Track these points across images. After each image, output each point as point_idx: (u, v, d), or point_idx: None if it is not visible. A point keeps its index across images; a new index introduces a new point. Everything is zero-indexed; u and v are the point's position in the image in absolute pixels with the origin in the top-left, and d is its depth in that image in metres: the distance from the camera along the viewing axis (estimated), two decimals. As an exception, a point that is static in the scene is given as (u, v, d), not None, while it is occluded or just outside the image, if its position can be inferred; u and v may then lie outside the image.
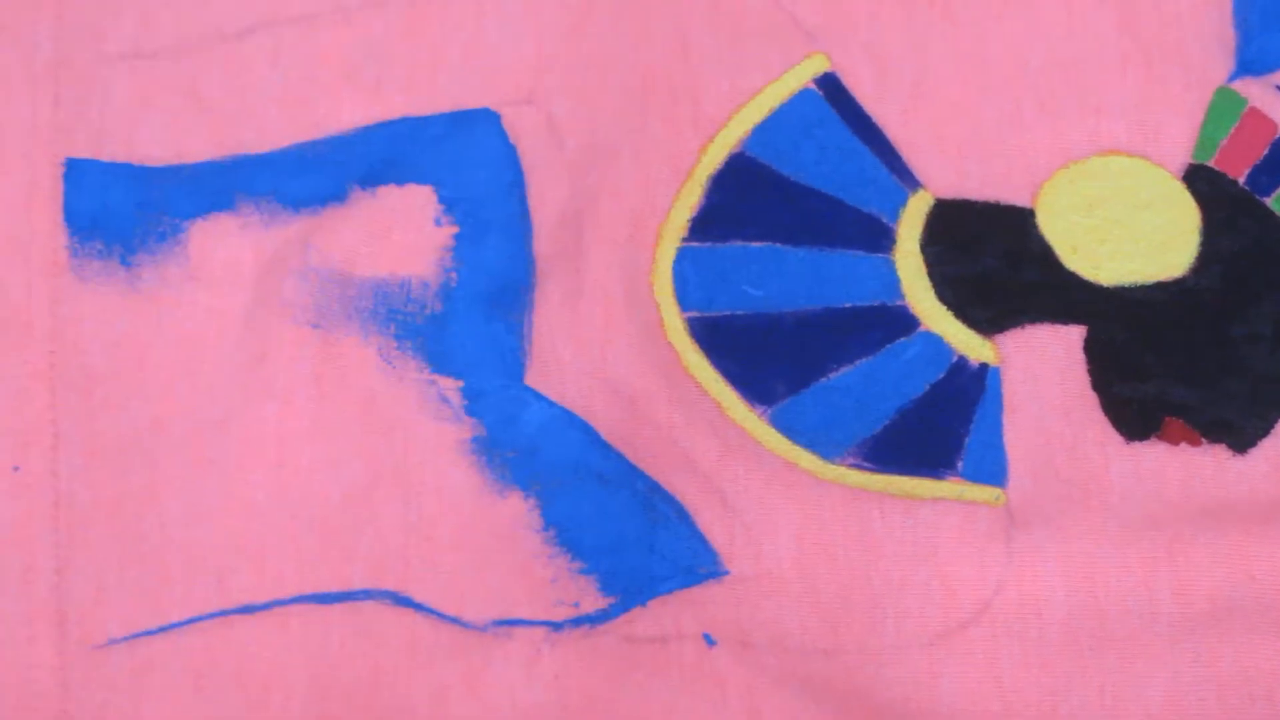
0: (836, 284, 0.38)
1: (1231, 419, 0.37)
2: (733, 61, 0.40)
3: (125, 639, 0.38)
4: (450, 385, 0.39)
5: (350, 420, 0.39)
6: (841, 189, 0.39)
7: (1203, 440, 0.37)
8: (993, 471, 0.37)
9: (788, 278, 0.38)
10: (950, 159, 0.39)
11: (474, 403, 0.39)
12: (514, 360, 0.39)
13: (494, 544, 0.38)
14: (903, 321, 0.38)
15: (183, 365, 0.39)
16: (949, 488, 0.37)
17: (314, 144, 0.40)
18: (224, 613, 0.38)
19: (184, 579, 0.39)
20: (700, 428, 0.38)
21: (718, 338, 0.38)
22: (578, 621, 0.38)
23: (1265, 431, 0.37)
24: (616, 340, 0.39)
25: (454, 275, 0.39)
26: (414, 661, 0.38)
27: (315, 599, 0.38)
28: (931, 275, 0.38)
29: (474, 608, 0.38)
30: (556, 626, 0.38)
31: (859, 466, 0.38)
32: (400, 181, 0.40)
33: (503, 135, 0.40)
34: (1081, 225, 0.38)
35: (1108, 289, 0.38)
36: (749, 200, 0.39)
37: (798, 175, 0.39)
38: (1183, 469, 0.37)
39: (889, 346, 0.38)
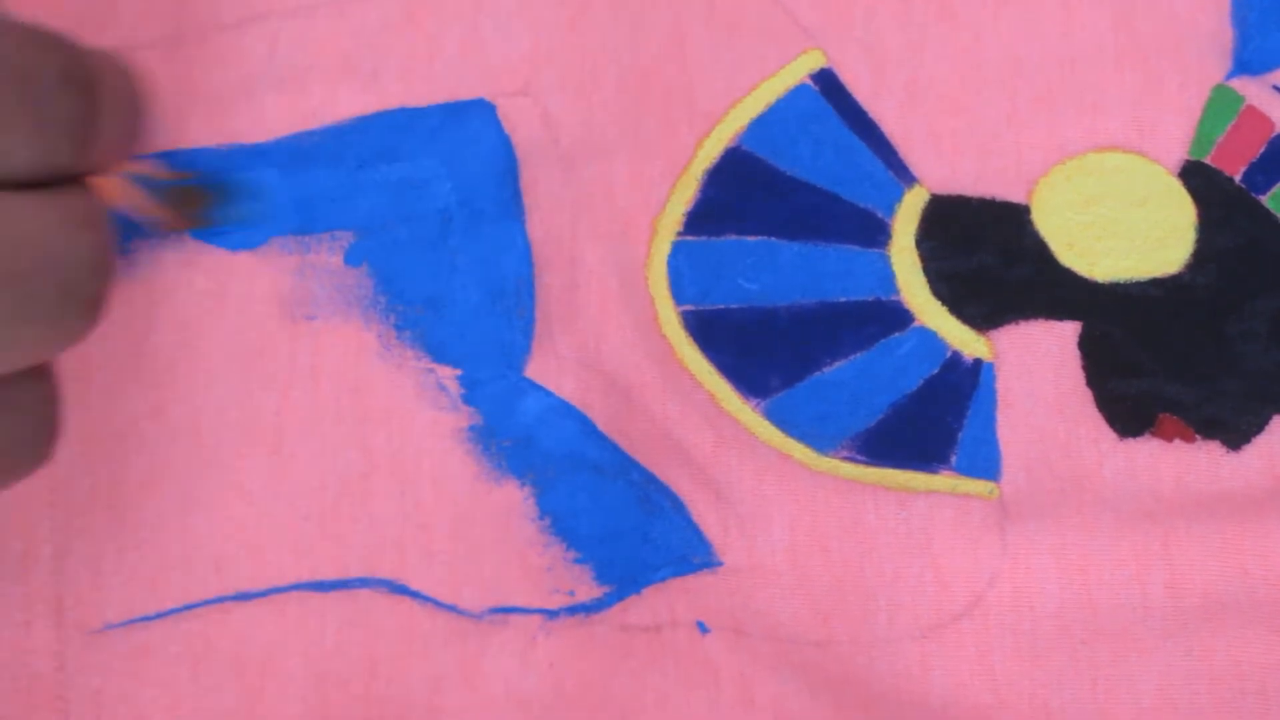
0: (831, 279, 0.38)
1: (1226, 416, 0.36)
2: (729, 57, 0.39)
3: (122, 624, 0.38)
4: (448, 374, 0.38)
5: (346, 408, 0.38)
6: (837, 184, 0.38)
7: (1197, 437, 0.36)
8: (986, 466, 0.37)
9: (783, 272, 0.38)
10: (946, 155, 0.38)
11: (471, 391, 0.38)
12: (514, 351, 0.38)
13: (490, 532, 0.38)
14: (897, 317, 0.37)
15: (180, 351, 0.39)
16: (942, 481, 0.37)
17: (310, 134, 0.39)
18: (221, 599, 0.38)
19: (181, 565, 0.38)
20: (695, 420, 0.38)
21: (712, 331, 0.38)
22: (573, 610, 0.37)
23: (1259, 428, 0.36)
24: (611, 333, 0.38)
25: (452, 265, 0.39)
26: (410, 649, 0.38)
27: (312, 586, 0.38)
28: (926, 271, 0.38)
29: (470, 595, 0.38)
30: (552, 614, 0.38)
31: (852, 459, 0.37)
32: (396, 172, 0.39)
33: (498, 126, 0.39)
34: (1077, 221, 0.37)
35: (1103, 285, 0.37)
36: (745, 195, 0.38)
37: (794, 170, 0.38)
38: (1176, 465, 0.36)
39: (883, 341, 0.37)
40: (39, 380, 0.26)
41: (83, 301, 0.24)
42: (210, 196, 0.39)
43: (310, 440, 0.38)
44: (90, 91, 0.24)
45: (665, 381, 0.38)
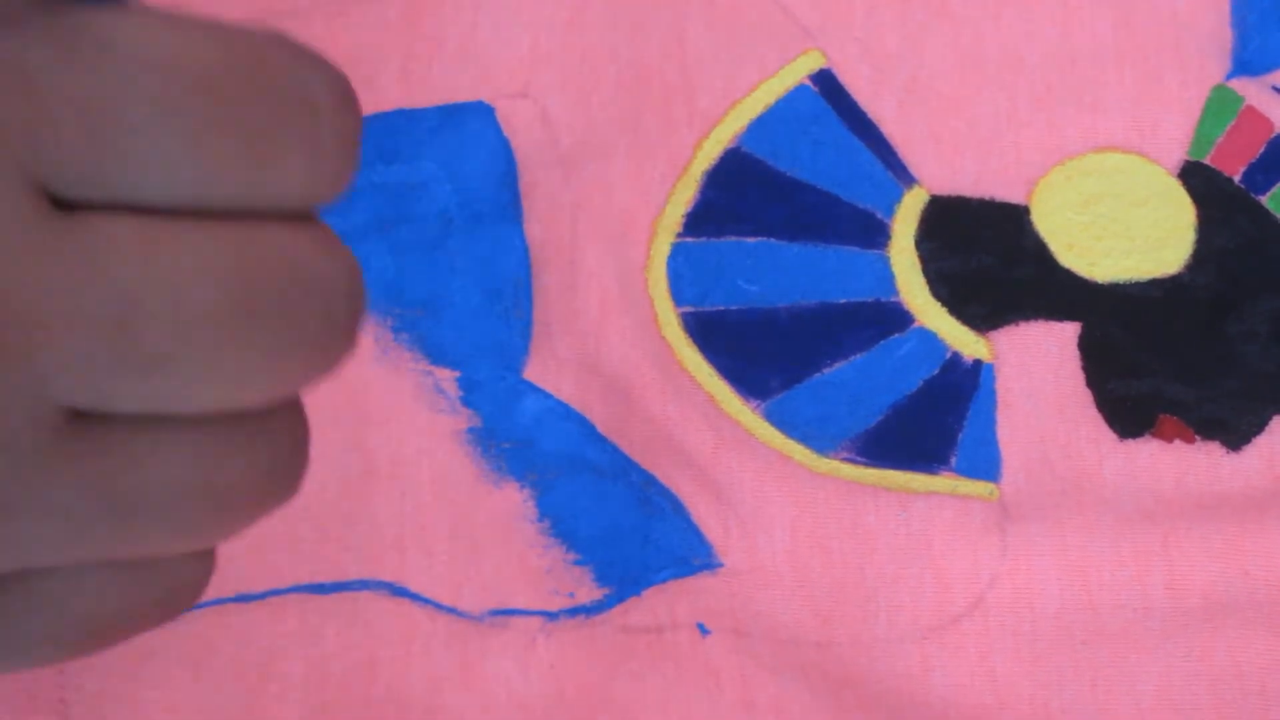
0: (831, 280, 0.37)
1: (1225, 416, 0.36)
2: (729, 57, 0.39)
3: (122, 626, 0.37)
4: (446, 376, 0.38)
5: (345, 410, 0.38)
6: (837, 185, 0.38)
7: (1196, 438, 0.36)
8: (986, 467, 0.36)
9: (783, 273, 0.38)
10: (946, 155, 0.38)
11: (470, 394, 0.38)
12: (512, 352, 0.38)
13: (489, 534, 0.38)
14: (897, 318, 0.37)
15: None
16: (942, 482, 0.37)
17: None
18: (220, 601, 0.37)
19: (181, 567, 0.38)
20: (695, 421, 0.37)
21: (712, 333, 0.38)
22: (573, 611, 0.37)
23: (1259, 429, 0.36)
24: (611, 334, 0.38)
25: (450, 267, 0.38)
26: (410, 651, 0.37)
27: (311, 588, 0.38)
28: (926, 272, 0.37)
29: (469, 597, 0.37)
30: (552, 616, 0.37)
31: (852, 460, 0.37)
32: (395, 174, 0.39)
33: (497, 128, 0.39)
34: (1077, 222, 0.37)
35: (1103, 286, 0.37)
36: (744, 196, 0.38)
37: (793, 171, 0.38)
38: (1176, 466, 0.36)
39: (883, 342, 0.37)
40: (294, 410, 0.24)
41: (342, 327, 0.23)
42: None
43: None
44: (358, 114, 0.23)
45: (665, 383, 0.38)
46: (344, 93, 0.22)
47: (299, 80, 0.21)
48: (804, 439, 0.37)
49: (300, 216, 0.22)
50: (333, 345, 0.23)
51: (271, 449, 0.23)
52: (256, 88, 0.21)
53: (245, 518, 0.23)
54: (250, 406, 0.22)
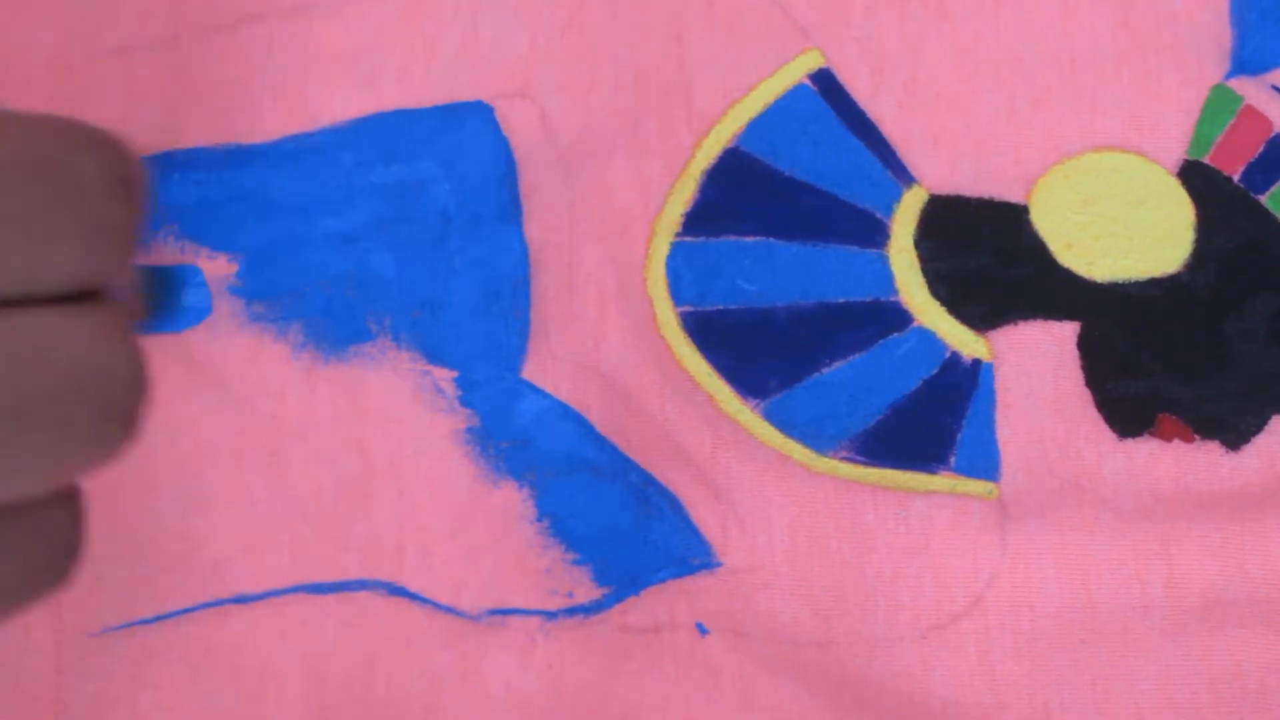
0: (830, 279, 0.37)
1: (1225, 416, 0.36)
2: (727, 57, 0.39)
3: (121, 627, 0.38)
4: (444, 376, 0.38)
5: (344, 410, 0.38)
6: (836, 184, 0.38)
7: (1196, 437, 0.36)
8: (985, 467, 0.36)
9: (781, 273, 0.38)
10: (945, 154, 0.38)
11: (468, 393, 0.38)
12: (510, 352, 0.38)
13: (488, 534, 0.38)
14: (896, 317, 0.37)
15: (176, 353, 0.39)
16: (942, 481, 0.37)
17: (308, 135, 0.39)
18: (219, 602, 0.38)
19: (179, 568, 0.38)
20: (694, 421, 0.37)
21: (711, 332, 0.38)
22: (572, 611, 0.37)
23: (1258, 428, 0.36)
24: (610, 334, 0.38)
25: (449, 267, 0.38)
26: (409, 651, 0.37)
27: (310, 589, 0.38)
28: (925, 271, 0.37)
29: (468, 597, 0.37)
30: (551, 616, 0.37)
31: (851, 460, 0.37)
32: (394, 174, 0.39)
33: (496, 128, 0.39)
34: (1076, 221, 0.37)
35: (1102, 285, 0.37)
36: (743, 195, 0.38)
37: (792, 170, 0.38)
38: (1176, 465, 0.36)
39: (882, 342, 0.37)
40: (68, 501, 0.24)
41: (120, 419, 0.22)
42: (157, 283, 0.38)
43: (307, 443, 0.38)
44: (137, 197, 0.22)
45: (664, 383, 0.38)
46: (119, 176, 0.22)
47: (70, 166, 0.21)
48: (803, 438, 0.37)
49: (82, 300, 0.21)
50: (109, 436, 0.22)
51: (42, 543, 0.22)
52: (24, 175, 0.20)
53: (6, 609, 0.23)
54: (20, 498, 0.21)
